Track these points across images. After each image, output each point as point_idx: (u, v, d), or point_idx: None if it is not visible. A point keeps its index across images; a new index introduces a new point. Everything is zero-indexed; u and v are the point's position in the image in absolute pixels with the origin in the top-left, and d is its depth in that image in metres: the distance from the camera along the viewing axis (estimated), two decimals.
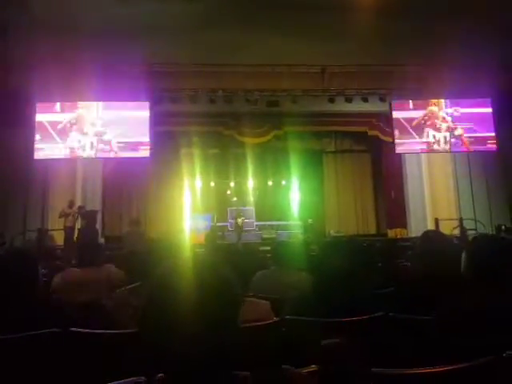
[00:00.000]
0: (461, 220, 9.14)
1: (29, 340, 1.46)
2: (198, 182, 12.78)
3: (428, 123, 9.27)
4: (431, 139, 9.22)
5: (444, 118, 9.28)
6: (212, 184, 12.98)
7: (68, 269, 2.82)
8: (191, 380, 0.75)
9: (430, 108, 9.35)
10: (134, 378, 0.84)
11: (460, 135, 9.23)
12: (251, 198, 12.92)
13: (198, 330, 0.74)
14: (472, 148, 9.26)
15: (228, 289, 0.80)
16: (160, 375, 0.79)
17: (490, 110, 9.23)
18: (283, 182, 13.16)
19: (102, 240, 9.41)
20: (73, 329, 1.52)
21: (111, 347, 1.48)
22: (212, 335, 0.75)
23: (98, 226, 9.67)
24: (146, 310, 0.80)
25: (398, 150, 9.28)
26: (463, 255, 1.52)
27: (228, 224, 12.12)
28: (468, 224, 9.09)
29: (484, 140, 9.18)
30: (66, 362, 1.38)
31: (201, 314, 0.75)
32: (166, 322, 0.75)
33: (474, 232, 8.75)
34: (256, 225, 12.13)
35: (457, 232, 8.65)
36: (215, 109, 9.44)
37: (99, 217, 9.59)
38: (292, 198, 13.15)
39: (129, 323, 1.61)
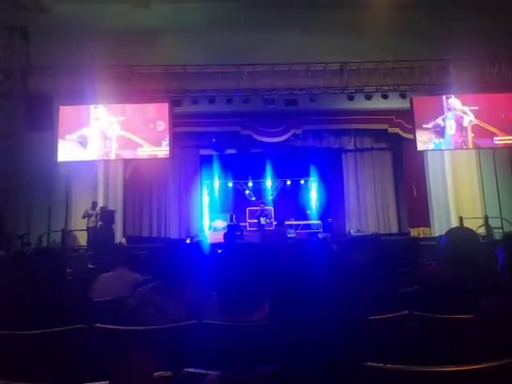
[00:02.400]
0: (486, 218, 8.86)
1: (56, 335, 1.49)
2: (217, 182, 12.87)
3: (450, 119, 9.03)
4: (453, 135, 8.98)
5: (467, 114, 9.02)
6: (230, 184, 13.04)
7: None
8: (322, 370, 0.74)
9: (452, 104, 9.10)
10: (162, 372, 0.84)
11: (483, 131, 8.95)
12: (270, 198, 12.92)
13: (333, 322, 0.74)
14: (496, 144, 8.97)
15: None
16: (185, 370, 0.79)
17: None
18: (302, 182, 13.10)
19: (123, 240, 9.59)
20: (98, 325, 1.55)
21: (132, 343, 1.50)
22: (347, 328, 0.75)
23: (119, 226, 9.89)
24: (276, 303, 0.80)
25: (420, 147, 9.08)
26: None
27: (247, 224, 12.15)
28: (494, 222, 8.81)
29: (509, 135, 8.89)
30: (91, 356, 1.41)
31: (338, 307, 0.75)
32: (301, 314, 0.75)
33: (499, 230, 8.49)
34: (275, 225, 12.09)
35: (482, 231, 8.40)
36: (233, 109, 9.46)
37: (120, 217, 9.78)
38: (311, 197, 13.07)
39: (150, 320, 1.63)
